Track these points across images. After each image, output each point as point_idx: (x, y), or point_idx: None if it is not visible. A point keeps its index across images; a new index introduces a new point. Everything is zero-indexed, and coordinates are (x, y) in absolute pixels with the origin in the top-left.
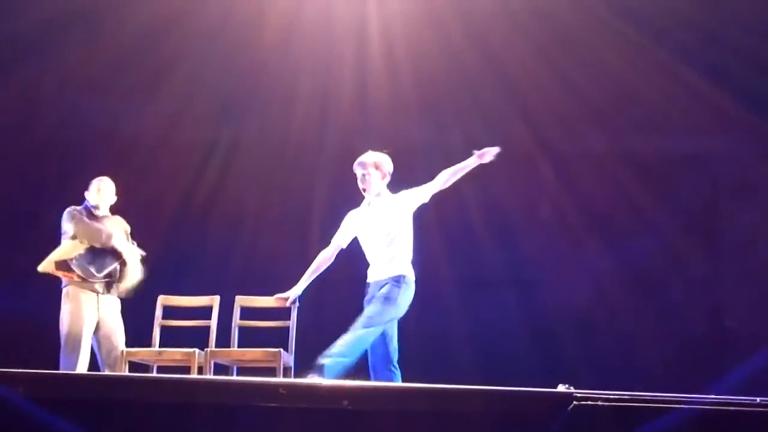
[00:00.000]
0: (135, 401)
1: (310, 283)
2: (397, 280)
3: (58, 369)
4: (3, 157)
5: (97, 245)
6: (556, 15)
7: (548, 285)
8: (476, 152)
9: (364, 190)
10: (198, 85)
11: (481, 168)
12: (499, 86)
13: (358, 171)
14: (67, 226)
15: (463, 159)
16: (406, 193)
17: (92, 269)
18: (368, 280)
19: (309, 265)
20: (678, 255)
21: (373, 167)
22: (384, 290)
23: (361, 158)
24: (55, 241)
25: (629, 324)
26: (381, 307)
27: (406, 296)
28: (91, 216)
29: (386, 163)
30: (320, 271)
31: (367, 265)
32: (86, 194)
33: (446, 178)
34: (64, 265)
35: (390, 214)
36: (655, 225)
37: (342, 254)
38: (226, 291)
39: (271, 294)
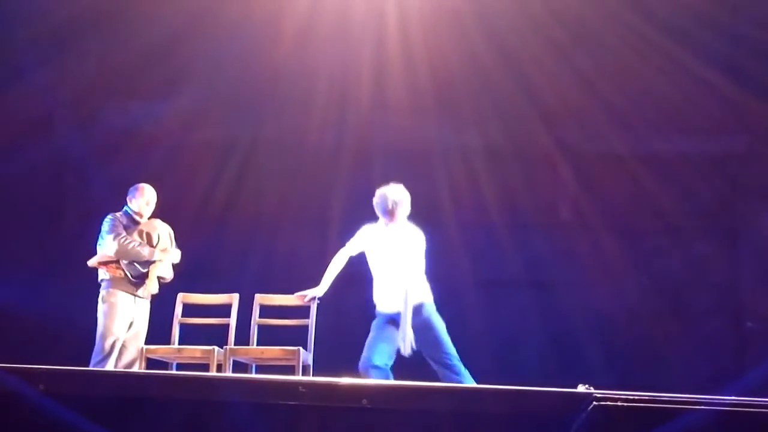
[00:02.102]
0: (154, 398)
1: (330, 284)
2: (426, 305)
3: (78, 367)
4: (24, 158)
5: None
6: (574, 15)
7: (567, 286)
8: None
9: (388, 220)
10: (216, 85)
11: (499, 169)
12: (518, 86)
13: (383, 204)
14: (111, 245)
15: (482, 160)
16: (419, 239)
17: (129, 270)
18: (385, 310)
19: (328, 264)
20: (698, 256)
21: (402, 204)
22: (429, 316)
23: (390, 194)
24: (76, 240)
25: (649, 325)
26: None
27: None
28: (132, 222)
29: (408, 201)
30: (338, 272)
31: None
32: (130, 201)
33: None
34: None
35: (407, 244)
36: (675, 226)
37: (362, 255)
38: (246, 289)
39: (290, 293)
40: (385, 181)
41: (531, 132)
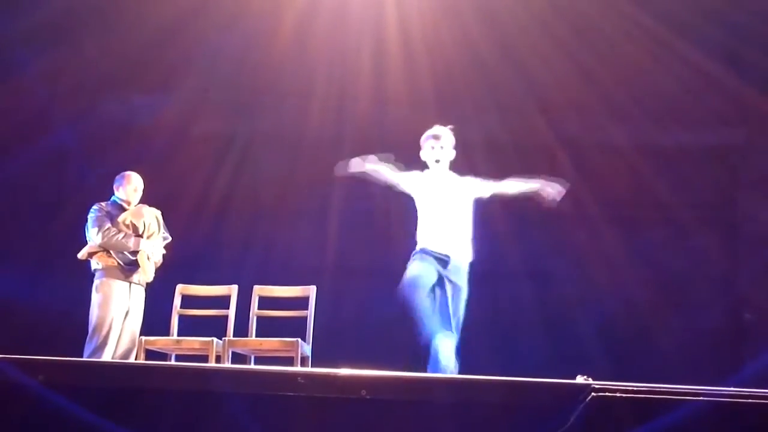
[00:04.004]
0: (153, 390)
1: (328, 276)
2: (468, 268)
3: (79, 357)
4: (23, 149)
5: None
6: (574, 6)
7: (566, 277)
8: (545, 184)
9: (437, 161)
10: (215, 78)
11: (498, 160)
12: (518, 79)
13: (430, 142)
14: (96, 238)
15: (481, 153)
16: (472, 180)
17: (119, 258)
18: (446, 252)
19: (326, 256)
20: (697, 247)
21: (449, 140)
22: (464, 278)
23: (437, 131)
24: (74, 232)
25: (647, 316)
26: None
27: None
28: (121, 210)
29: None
30: (375, 176)
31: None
32: (117, 189)
33: (511, 189)
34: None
35: (462, 192)
36: (674, 217)
37: (361, 247)
38: (245, 281)
39: (289, 284)
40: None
41: (530, 123)
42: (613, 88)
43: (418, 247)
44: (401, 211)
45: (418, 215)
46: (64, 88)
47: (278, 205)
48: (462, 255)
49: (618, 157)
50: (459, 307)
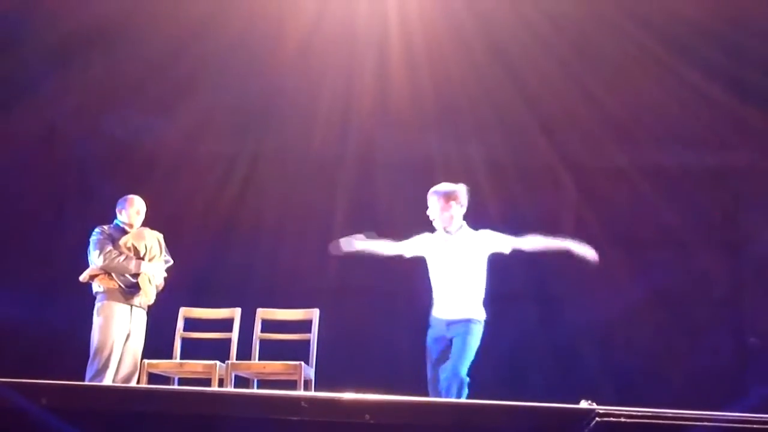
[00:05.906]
0: (156, 413)
1: (331, 298)
2: (477, 322)
3: (81, 381)
4: (26, 171)
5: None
6: (577, 28)
7: (568, 299)
8: (576, 247)
9: (445, 228)
10: (219, 98)
11: (501, 181)
12: (520, 99)
13: (435, 201)
14: (97, 260)
15: (484, 173)
16: (488, 234)
17: (120, 281)
18: (439, 316)
19: (329, 278)
20: (701, 270)
21: (454, 201)
22: (467, 329)
23: (439, 188)
24: (77, 254)
25: (652, 340)
26: (472, 344)
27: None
28: (123, 233)
29: (463, 194)
30: (373, 252)
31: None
32: (120, 212)
33: (535, 245)
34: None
35: (472, 251)
36: (677, 239)
37: (364, 268)
38: (248, 303)
39: (292, 307)
40: (388, 192)
41: (533, 145)
42: (615, 109)
43: (432, 312)
44: (406, 235)
45: (431, 276)
46: (67, 109)
47: (282, 227)
48: (472, 314)
49: (620, 178)
50: (462, 358)
